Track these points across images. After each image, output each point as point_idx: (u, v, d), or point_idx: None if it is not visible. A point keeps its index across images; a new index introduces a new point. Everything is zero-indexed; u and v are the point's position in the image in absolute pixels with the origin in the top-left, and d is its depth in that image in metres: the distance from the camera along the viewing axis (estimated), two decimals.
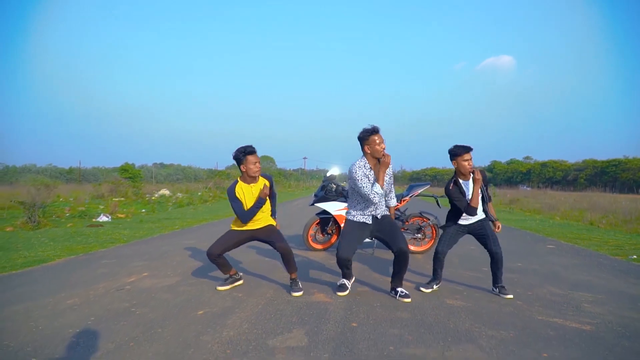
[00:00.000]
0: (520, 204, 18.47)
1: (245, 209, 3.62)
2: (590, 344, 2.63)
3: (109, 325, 2.89)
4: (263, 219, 3.79)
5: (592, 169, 55.94)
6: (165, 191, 24.45)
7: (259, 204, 3.61)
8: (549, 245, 6.90)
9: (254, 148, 3.66)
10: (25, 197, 10.78)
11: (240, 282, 3.99)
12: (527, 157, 79.27)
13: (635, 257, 5.88)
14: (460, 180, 3.68)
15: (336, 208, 5.66)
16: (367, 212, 3.56)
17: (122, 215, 12.16)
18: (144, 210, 13.91)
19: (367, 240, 5.66)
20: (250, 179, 3.67)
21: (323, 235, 5.97)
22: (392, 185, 3.81)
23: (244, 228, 3.76)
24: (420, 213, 5.88)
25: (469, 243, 7.20)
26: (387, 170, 3.50)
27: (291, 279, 3.82)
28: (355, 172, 3.42)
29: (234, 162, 3.71)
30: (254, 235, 3.81)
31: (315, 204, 5.74)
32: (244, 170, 3.62)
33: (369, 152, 3.45)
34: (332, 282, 4.09)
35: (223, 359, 2.34)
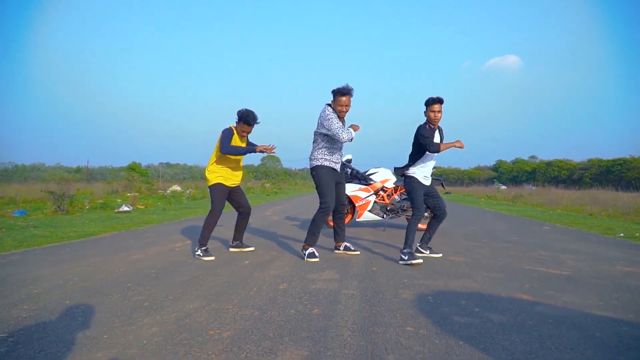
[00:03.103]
0: (524, 199, 19.03)
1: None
2: (565, 281, 3.28)
3: (175, 269, 3.58)
4: (238, 177, 4.29)
5: (598, 168, 56.21)
6: (176, 187, 25.18)
7: (242, 150, 4.03)
8: (545, 227, 7.53)
9: (253, 120, 4.08)
10: (54, 188, 11.55)
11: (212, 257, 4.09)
12: (532, 157, 79.49)
13: (622, 234, 6.50)
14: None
15: (352, 189, 6.33)
16: (335, 160, 3.99)
17: (141, 207, 12.82)
18: (160, 203, 14.59)
19: (380, 218, 6.36)
20: (239, 134, 4.16)
21: None
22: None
23: (228, 184, 4.19)
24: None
25: (471, 224, 7.87)
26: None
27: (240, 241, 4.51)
28: (329, 116, 3.79)
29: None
30: (231, 190, 4.27)
31: None
32: (237, 127, 4.13)
33: (332, 106, 3.89)
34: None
35: (275, 284, 3.02)
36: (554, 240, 5.74)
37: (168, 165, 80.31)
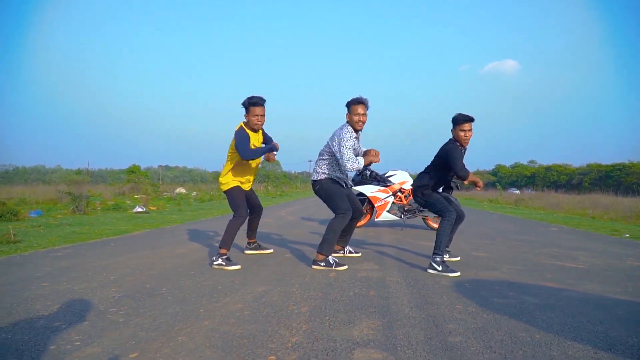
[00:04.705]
0: (525, 202, 19.43)
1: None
2: (581, 273, 3.62)
3: None
4: (251, 181, 4.00)
5: (597, 173, 56.77)
6: (181, 189, 25.58)
7: (263, 150, 3.69)
8: (552, 228, 7.88)
9: (259, 99, 3.66)
10: (64, 189, 11.90)
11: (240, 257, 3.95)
12: (531, 161, 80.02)
13: (628, 235, 6.86)
14: None
15: (371, 190, 6.68)
16: (340, 176, 3.74)
17: (153, 208, 13.09)
18: (168, 205, 14.86)
19: (397, 218, 6.71)
20: (251, 129, 3.73)
21: None
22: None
23: (245, 188, 3.91)
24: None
25: (481, 225, 8.21)
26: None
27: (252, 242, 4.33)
28: (347, 136, 3.51)
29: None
30: (246, 194, 3.94)
31: (353, 187, 6.74)
32: (247, 119, 3.71)
33: (348, 120, 3.62)
34: (373, 244, 5.11)
35: (325, 273, 3.36)
36: (564, 239, 6.08)
37: (167, 168, 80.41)
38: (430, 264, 3.52)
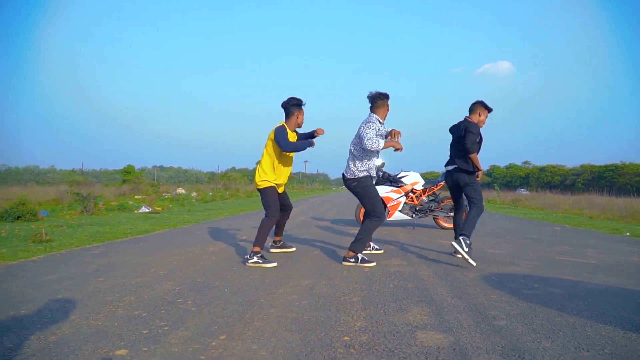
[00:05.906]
0: (522, 203, 19.81)
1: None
2: (593, 267, 3.89)
3: None
4: (284, 184, 4.19)
5: (590, 174, 57.63)
6: (181, 190, 25.73)
7: (302, 146, 3.90)
8: (556, 227, 8.18)
9: (299, 101, 4.01)
10: (67, 190, 12.03)
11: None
12: (525, 162, 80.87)
13: (628, 234, 7.16)
14: None
15: (384, 191, 6.91)
16: (373, 171, 3.88)
17: (159, 208, 13.22)
18: (171, 205, 14.98)
19: (409, 218, 6.96)
20: (292, 129, 4.02)
21: None
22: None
23: (279, 190, 4.10)
24: None
25: (487, 224, 8.48)
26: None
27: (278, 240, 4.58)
28: (372, 119, 3.78)
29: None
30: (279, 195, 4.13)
31: None
32: (293, 117, 3.99)
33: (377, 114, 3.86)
34: (392, 242, 5.35)
35: (359, 268, 3.59)
36: (569, 237, 6.37)
37: (162, 168, 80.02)
38: (459, 240, 3.68)
